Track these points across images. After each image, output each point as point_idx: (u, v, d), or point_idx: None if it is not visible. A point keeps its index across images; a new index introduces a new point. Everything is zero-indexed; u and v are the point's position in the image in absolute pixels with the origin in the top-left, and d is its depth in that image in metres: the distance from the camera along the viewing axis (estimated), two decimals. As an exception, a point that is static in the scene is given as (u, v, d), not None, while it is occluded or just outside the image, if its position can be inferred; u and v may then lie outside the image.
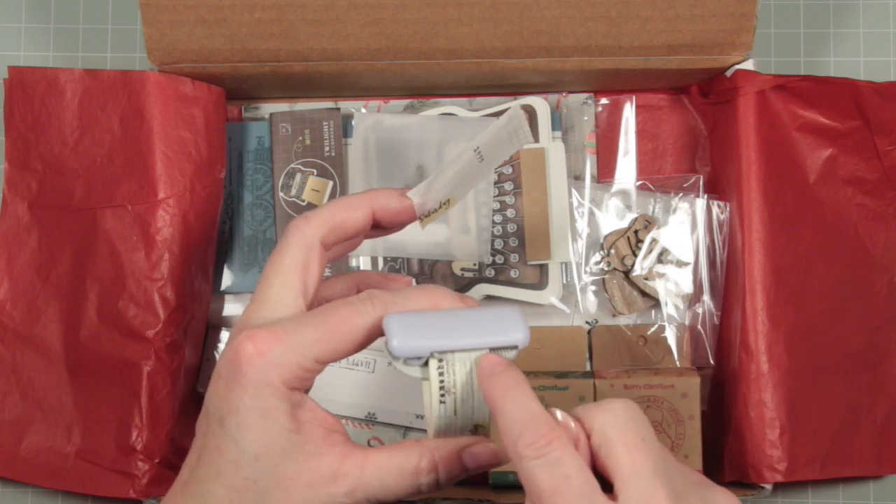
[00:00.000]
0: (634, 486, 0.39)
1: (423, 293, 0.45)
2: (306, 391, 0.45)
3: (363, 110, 0.71)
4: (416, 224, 0.70)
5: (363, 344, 0.45)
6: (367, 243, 0.69)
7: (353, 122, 0.70)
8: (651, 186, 0.71)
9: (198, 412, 0.67)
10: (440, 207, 0.50)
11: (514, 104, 0.48)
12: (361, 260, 0.70)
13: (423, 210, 0.50)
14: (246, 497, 0.43)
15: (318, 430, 0.44)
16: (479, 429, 0.44)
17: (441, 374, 0.43)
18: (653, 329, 0.69)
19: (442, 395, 0.43)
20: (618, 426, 0.40)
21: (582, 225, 0.70)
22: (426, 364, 0.43)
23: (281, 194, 0.70)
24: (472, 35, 0.63)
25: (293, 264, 0.46)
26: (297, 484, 0.43)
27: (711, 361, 0.68)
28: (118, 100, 0.64)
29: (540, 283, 0.69)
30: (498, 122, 0.49)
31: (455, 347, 0.43)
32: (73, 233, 0.66)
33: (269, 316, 0.45)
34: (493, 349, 0.43)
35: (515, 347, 0.44)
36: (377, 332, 0.45)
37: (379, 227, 0.50)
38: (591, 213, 0.70)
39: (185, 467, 0.46)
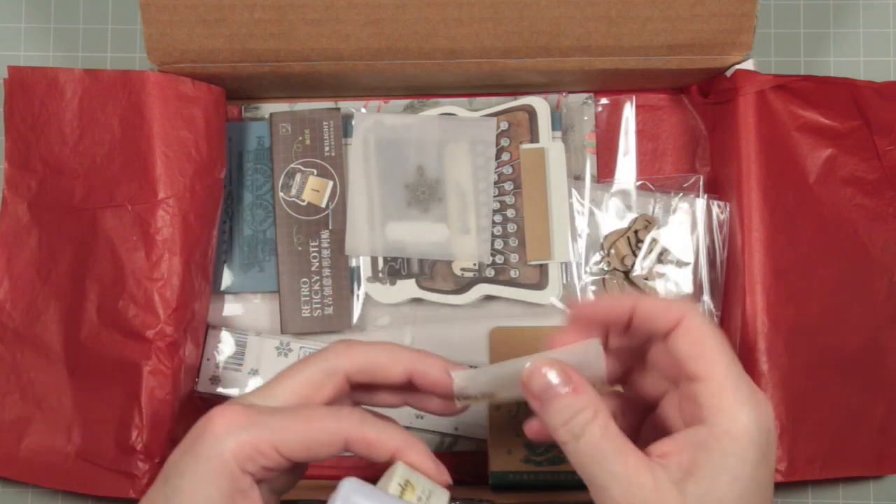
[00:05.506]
0: (727, 374, 0.45)
1: (398, 439, 0.46)
2: (267, 485, 0.45)
3: (363, 110, 0.71)
4: (415, 223, 0.70)
5: (326, 449, 0.45)
6: (366, 243, 0.69)
7: (353, 122, 0.70)
8: (651, 186, 0.71)
9: (197, 412, 0.67)
10: (480, 398, 0.50)
11: (594, 341, 0.48)
12: (361, 260, 0.70)
13: (462, 394, 0.49)
14: None
15: None
16: None
17: None
18: (653, 329, 0.69)
19: None
20: (707, 330, 0.46)
21: (582, 225, 0.70)
22: None
23: (281, 194, 0.70)
24: (472, 35, 0.63)
25: (309, 379, 0.47)
26: None
27: (711, 361, 0.68)
28: (118, 100, 0.64)
29: (540, 283, 0.69)
30: (569, 349, 0.48)
31: None
32: (73, 233, 0.66)
33: (259, 403, 0.46)
34: None
35: None
36: (340, 447, 0.45)
37: (412, 389, 0.50)
38: (591, 213, 0.70)
39: None
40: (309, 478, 0.69)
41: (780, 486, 0.66)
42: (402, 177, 0.70)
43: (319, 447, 0.44)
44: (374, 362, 0.48)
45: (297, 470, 0.48)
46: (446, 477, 0.47)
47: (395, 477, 0.44)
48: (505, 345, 0.70)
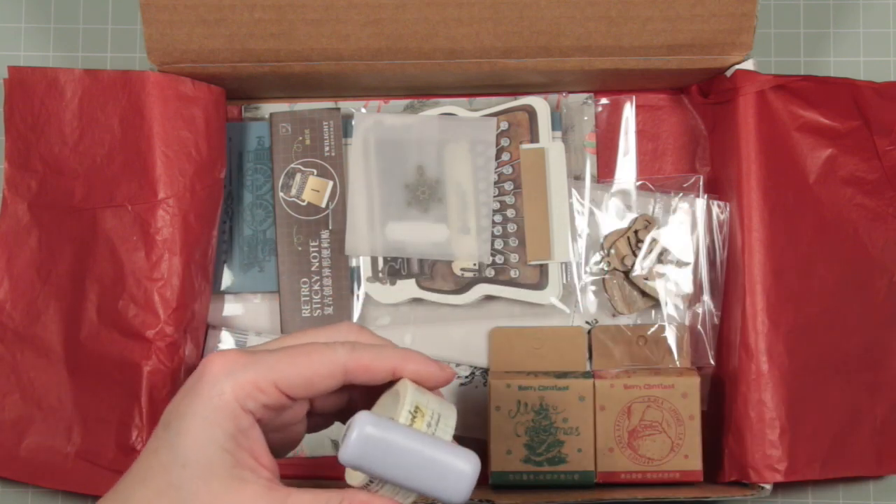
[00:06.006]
0: None
1: (394, 355, 0.46)
2: (267, 426, 0.45)
3: (363, 110, 0.71)
4: (415, 224, 0.70)
5: (325, 381, 0.45)
6: (366, 243, 0.69)
7: (353, 122, 0.70)
8: (651, 186, 0.71)
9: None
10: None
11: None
12: (361, 260, 0.70)
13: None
14: (163, 503, 0.43)
15: (252, 460, 0.44)
16: None
17: (366, 488, 0.45)
18: (653, 329, 0.69)
19: None
20: None
21: (582, 225, 0.70)
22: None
23: (281, 194, 0.70)
24: (472, 35, 0.63)
25: (324, 336, 0.47)
26: (216, 502, 0.43)
27: (711, 361, 0.68)
28: (118, 100, 0.64)
29: (540, 283, 0.69)
30: None
31: (392, 480, 0.44)
32: (73, 233, 0.66)
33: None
34: (428, 497, 0.45)
35: None
36: (339, 378, 0.45)
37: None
38: (591, 213, 0.70)
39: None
40: (314, 478, 0.69)
41: (780, 486, 0.66)
42: (402, 177, 0.70)
43: (319, 379, 0.45)
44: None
45: (296, 417, 0.48)
46: (450, 372, 0.47)
47: (406, 405, 0.45)
48: (505, 345, 0.70)
